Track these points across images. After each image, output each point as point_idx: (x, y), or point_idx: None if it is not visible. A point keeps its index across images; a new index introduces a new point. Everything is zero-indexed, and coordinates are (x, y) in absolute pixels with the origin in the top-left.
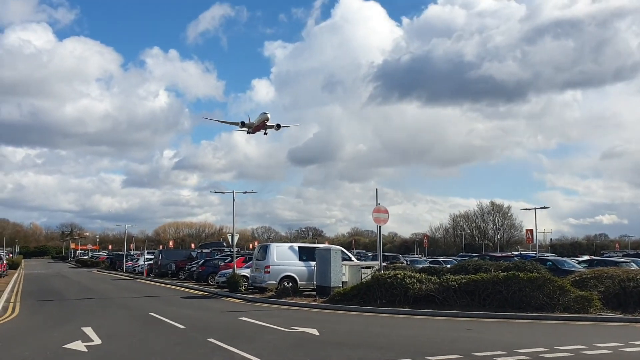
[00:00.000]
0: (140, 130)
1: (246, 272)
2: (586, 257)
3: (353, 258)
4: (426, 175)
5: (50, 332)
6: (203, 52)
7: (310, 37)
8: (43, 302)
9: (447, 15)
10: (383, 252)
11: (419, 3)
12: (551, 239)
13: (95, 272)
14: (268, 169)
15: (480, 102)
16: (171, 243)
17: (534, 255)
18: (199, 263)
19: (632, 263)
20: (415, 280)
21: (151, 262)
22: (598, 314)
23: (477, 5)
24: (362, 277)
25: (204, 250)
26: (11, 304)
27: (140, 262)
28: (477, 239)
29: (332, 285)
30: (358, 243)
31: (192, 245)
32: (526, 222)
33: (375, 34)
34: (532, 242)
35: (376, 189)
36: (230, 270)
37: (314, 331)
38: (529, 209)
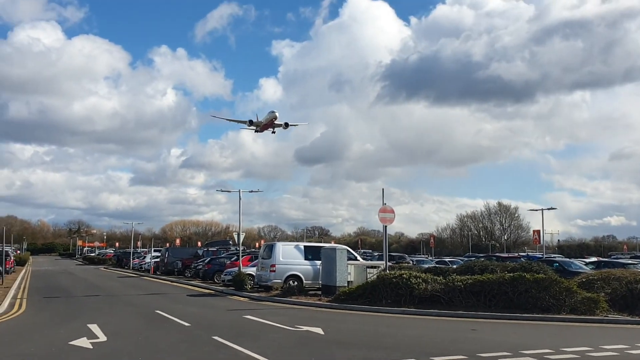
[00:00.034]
0: (148, 128)
1: (252, 270)
2: (593, 259)
3: (359, 257)
4: (433, 175)
5: (56, 329)
6: (211, 51)
7: (318, 36)
8: (50, 298)
9: (456, 15)
10: (389, 252)
11: (427, 3)
12: (558, 240)
13: (102, 269)
14: (275, 168)
15: (488, 103)
16: (178, 241)
17: (540, 256)
18: (205, 261)
19: (639, 265)
20: (420, 281)
21: (158, 259)
22: (604, 316)
23: (485, 5)
24: (368, 277)
25: (210, 249)
26: (18, 301)
27: (147, 259)
28: (484, 239)
29: (337, 285)
30: (364, 243)
31: (199, 243)
32: (533, 223)
33: (383, 34)
34: (539, 243)
35: (382, 189)
36: (236, 268)
37: (319, 330)
38: (536, 210)
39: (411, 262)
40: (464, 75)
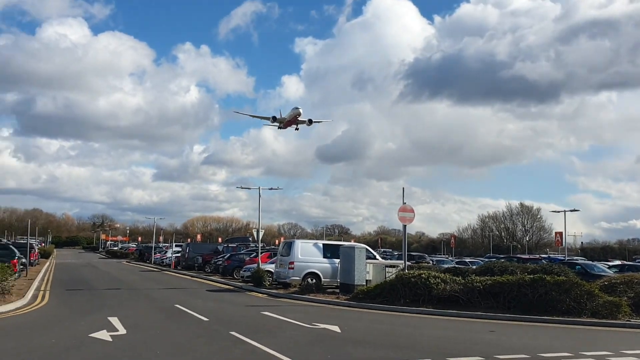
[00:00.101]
0: (171, 124)
1: (271, 267)
2: (617, 262)
3: (378, 256)
4: (455, 175)
5: (78, 321)
6: (234, 48)
7: (341, 34)
8: (72, 291)
9: (480, 14)
10: (409, 252)
11: (452, 1)
12: (582, 242)
13: (125, 263)
14: (296, 166)
15: (512, 102)
16: (199, 237)
17: (562, 258)
18: (225, 257)
19: None
20: (439, 281)
21: (179, 254)
22: (627, 320)
23: (510, 4)
24: (386, 276)
25: (230, 245)
26: (41, 293)
27: (168, 254)
28: (505, 240)
29: (355, 283)
30: (384, 242)
31: (220, 239)
32: (556, 224)
33: (406, 32)
34: (562, 245)
35: (403, 188)
36: (255, 265)
37: (336, 328)
38: (559, 212)
39: (431, 262)
40: (487, 74)
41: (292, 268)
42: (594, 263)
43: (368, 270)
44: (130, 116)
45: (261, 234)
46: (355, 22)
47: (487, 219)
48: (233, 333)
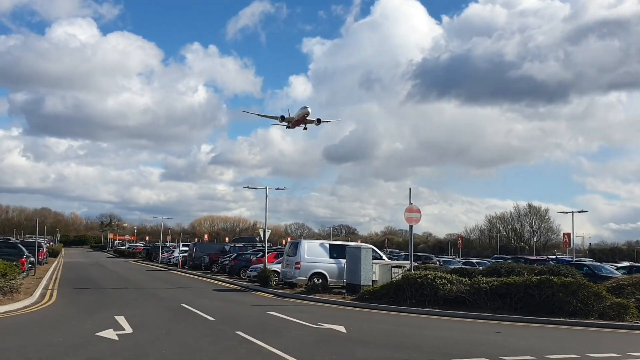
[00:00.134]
0: (179, 124)
1: (277, 267)
2: (625, 264)
3: (384, 257)
4: (463, 176)
5: (84, 320)
6: (242, 48)
7: (349, 34)
8: (79, 290)
9: (488, 14)
10: (416, 252)
11: (460, 1)
12: (590, 243)
13: (132, 262)
14: (303, 166)
15: (520, 103)
16: (206, 236)
17: (570, 259)
18: (232, 257)
19: None
20: (445, 281)
21: (186, 254)
22: (634, 322)
23: (519, 4)
24: (393, 277)
25: (236, 245)
26: (49, 291)
27: (175, 254)
28: (512, 241)
29: (361, 284)
30: (391, 242)
31: (227, 239)
32: (564, 225)
33: (414, 32)
34: (569, 246)
35: (409, 188)
36: (262, 265)
37: (341, 328)
38: (567, 213)
39: (438, 262)
40: (495, 74)
41: (299, 268)
42: (601, 264)
43: (374, 271)
44: (138, 116)
45: (268, 233)
46: (363, 22)
47: (494, 220)
48: (239, 333)
